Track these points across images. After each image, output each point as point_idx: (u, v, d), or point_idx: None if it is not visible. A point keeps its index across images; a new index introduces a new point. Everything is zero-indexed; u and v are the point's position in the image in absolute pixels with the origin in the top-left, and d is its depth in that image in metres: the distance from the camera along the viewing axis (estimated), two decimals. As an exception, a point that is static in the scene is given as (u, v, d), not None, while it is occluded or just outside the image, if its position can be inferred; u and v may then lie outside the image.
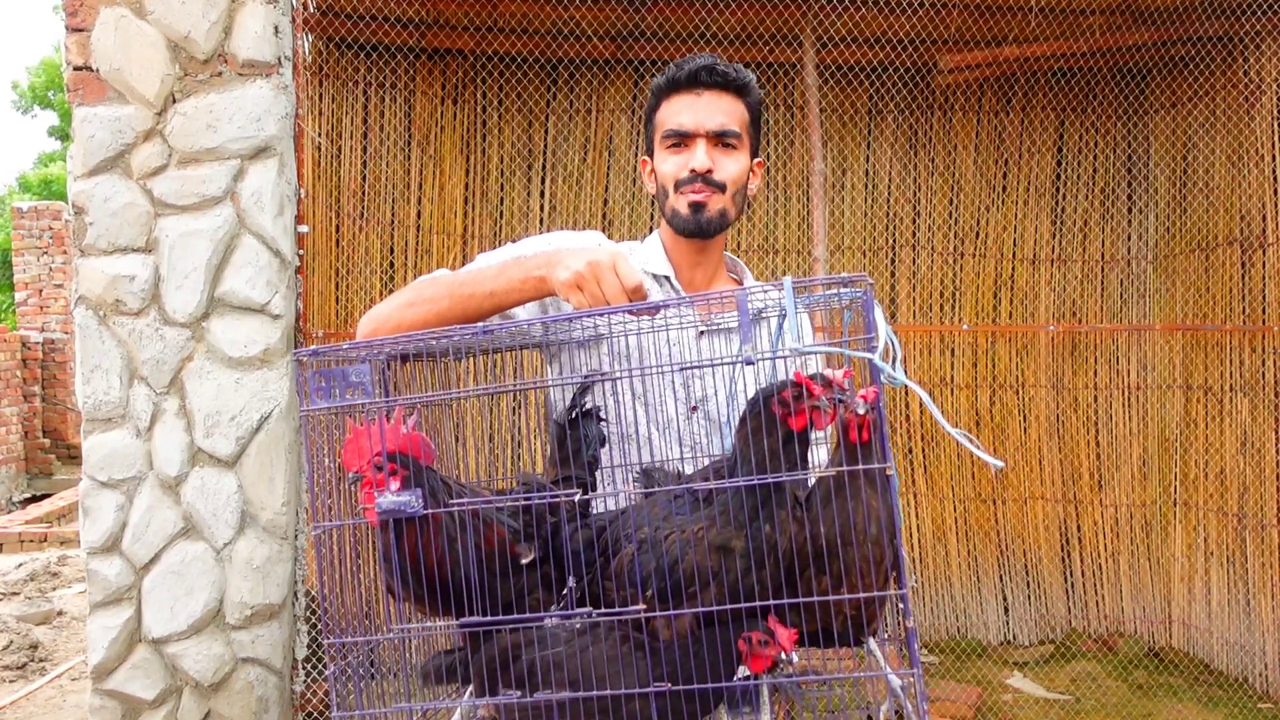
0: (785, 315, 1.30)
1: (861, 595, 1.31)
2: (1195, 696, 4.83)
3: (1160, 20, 4.80)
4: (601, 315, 1.43)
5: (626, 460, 1.67)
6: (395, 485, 1.32)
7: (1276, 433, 4.80)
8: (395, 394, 1.48)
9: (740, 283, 1.91)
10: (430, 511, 1.33)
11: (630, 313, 1.43)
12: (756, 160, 1.82)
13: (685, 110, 1.74)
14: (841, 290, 1.36)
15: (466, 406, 1.67)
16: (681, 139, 1.74)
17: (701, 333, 1.74)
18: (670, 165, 1.76)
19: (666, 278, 1.83)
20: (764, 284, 1.36)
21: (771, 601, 1.30)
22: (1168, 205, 5.53)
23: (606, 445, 1.62)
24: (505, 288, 1.59)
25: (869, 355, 1.27)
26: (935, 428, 5.55)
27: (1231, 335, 5.03)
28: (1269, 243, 4.82)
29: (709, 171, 1.73)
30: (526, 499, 1.40)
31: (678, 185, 1.75)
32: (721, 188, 1.74)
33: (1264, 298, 4.85)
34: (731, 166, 1.75)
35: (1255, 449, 4.92)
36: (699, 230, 1.76)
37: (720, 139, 1.74)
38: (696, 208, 1.74)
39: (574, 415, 1.51)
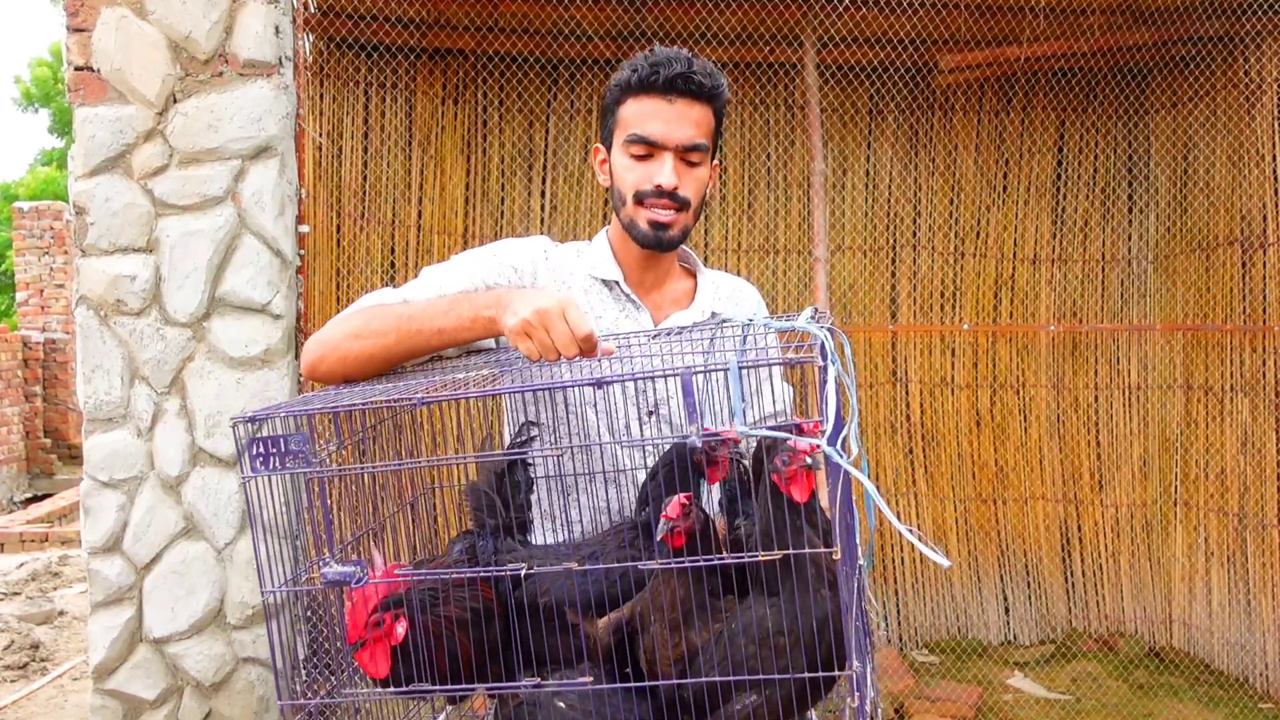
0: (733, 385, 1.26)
1: (809, 675, 1.27)
2: (1196, 696, 4.83)
3: (1160, 20, 4.80)
4: (548, 383, 1.42)
5: (589, 468, 1.66)
6: (402, 628, 1.35)
7: (1277, 433, 4.80)
8: (338, 448, 1.48)
9: (693, 275, 1.88)
10: (381, 580, 1.37)
11: (583, 354, 1.42)
12: (715, 162, 1.77)
13: (654, 117, 1.66)
14: (809, 336, 1.31)
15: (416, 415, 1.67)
16: (648, 148, 1.67)
17: (654, 337, 1.70)
18: (633, 174, 1.69)
19: (616, 282, 1.78)
20: (710, 364, 1.32)
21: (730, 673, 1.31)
22: (1168, 205, 5.53)
23: (564, 458, 1.64)
24: (454, 325, 1.56)
25: (817, 442, 1.23)
26: (936, 427, 5.55)
27: (1232, 335, 5.03)
28: (1269, 243, 4.82)
29: (675, 189, 1.67)
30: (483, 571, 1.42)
31: (639, 196, 1.69)
32: (686, 205, 1.70)
33: (1264, 298, 4.85)
34: (695, 181, 1.70)
35: (1256, 449, 4.92)
36: (658, 246, 1.72)
37: (687, 154, 1.68)
38: (659, 226, 1.69)
39: (507, 464, 1.55)
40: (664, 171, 1.66)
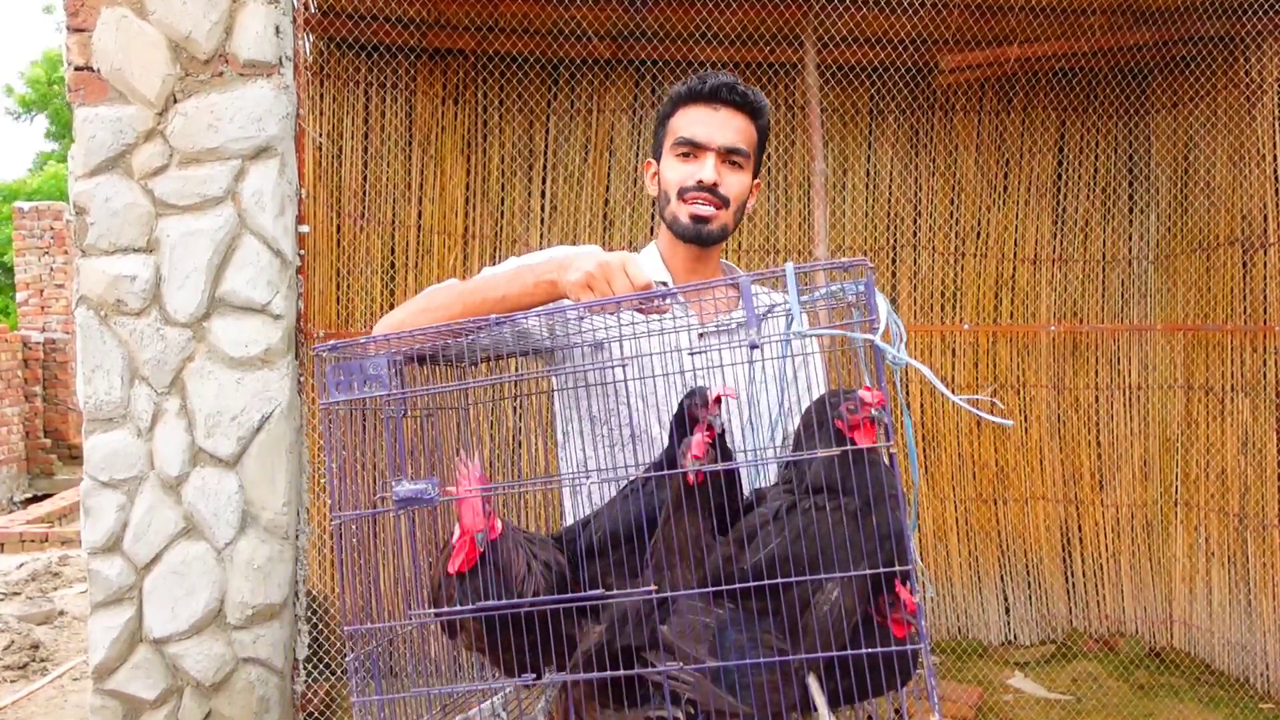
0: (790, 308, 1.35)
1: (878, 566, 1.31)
2: (1196, 696, 4.83)
3: (1161, 20, 4.79)
4: (613, 305, 1.47)
5: (638, 459, 1.69)
6: (500, 525, 1.38)
7: (1278, 433, 4.80)
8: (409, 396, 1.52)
9: (735, 288, 1.93)
10: (473, 493, 1.39)
11: (640, 310, 1.48)
12: (755, 181, 1.89)
13: (700, 122, 1.80)
14: (845, 284, 1.40)
15: (472, 412, 1.69)
16: (692, 149, 1.80)
17: (701, 335, 1.75)
18: (678, 173, 1.82)
19: (664, 284, 1.86)
20: (767, 270, 1.39)
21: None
22: (1169, 205, 5.52)
23: (615, 449, 1.71)
24: (517, 292, 1.63)
25: (870, 337, 1.32)
26: (936, 428, 5.55)
27: (1233, 335, 5.03)
28: (1270, 243, 4.82)
29: (715, 185, 1.79)
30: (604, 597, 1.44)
31: (682, 192, 1.81)
32: (725, 202, 1.81)
33: (1265, 298, 4.84)
34: (736, 183, 1.82)
35: (1256, 449, 4.92)
36: (699, 239, 1.83)
37: (729, 155, 1.80)
38: (699, 220, 1.80)
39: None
40: (706, 168, 1.79)
